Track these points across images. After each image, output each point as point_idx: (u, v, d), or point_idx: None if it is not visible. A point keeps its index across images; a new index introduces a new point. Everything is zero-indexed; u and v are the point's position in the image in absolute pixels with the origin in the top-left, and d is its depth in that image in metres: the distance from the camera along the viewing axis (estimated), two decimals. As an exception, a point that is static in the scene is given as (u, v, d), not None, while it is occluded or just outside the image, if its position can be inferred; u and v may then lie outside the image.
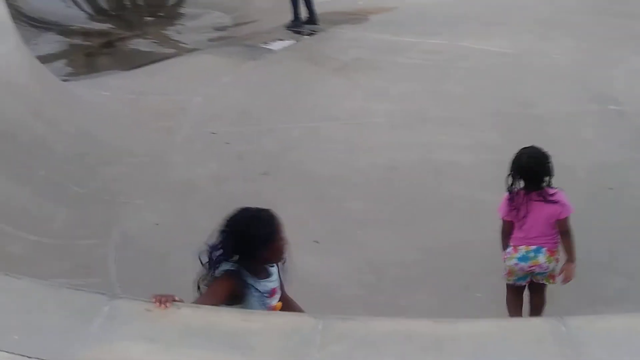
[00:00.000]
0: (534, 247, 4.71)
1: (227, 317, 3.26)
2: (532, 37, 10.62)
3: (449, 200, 6.60)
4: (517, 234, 4.77)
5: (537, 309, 4.99)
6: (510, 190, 4.71)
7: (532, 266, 4.76)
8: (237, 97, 9.07)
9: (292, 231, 6.27)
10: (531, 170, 4.63)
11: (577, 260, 4.91)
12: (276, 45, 11.03)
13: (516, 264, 4.76)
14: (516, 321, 3.32)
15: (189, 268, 5.99)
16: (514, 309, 4.97)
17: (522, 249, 4.74)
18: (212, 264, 3.53)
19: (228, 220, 3.56)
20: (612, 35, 10.55)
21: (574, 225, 5.98)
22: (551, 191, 4.66)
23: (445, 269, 5.80)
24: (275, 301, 3.67)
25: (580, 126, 7.99)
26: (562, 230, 4.75)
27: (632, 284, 5.53)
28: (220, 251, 3.52)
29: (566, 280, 4.83)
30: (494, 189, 6.26)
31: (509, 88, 8.88)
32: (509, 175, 4.66)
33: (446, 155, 7.43)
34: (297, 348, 3.01)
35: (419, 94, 8.93)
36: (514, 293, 4.97)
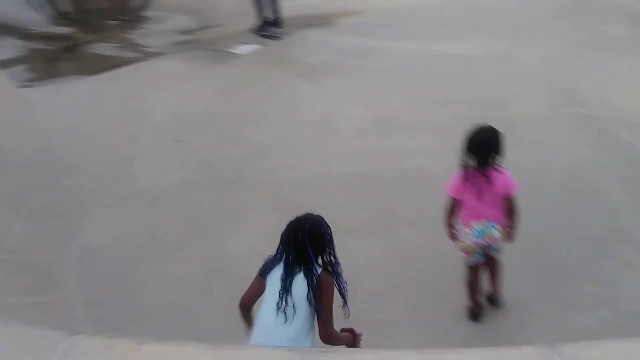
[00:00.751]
0: (486, 222, 4.81)
1: (195, 353, 3.03)
2: (503, 41, 10.54)
3: (422, 208, 6.44)
4: (468, 211, 4.86)
5: (495, 271, 5.22)
6: (462, 167, 4.78)
7: (487, 240, 4.87)
8: (203, 103, 8.85)
9: (261, 242, 6.11)
10: (483, 144, 4.69)
11: (548, 265, 5.53)
12: (242, 50, 10.83)
13: (474, 242, 4.87)
14: (506, 350, 3.13)
15: (154, 282, 5.85)
16: (474, 291, 5.15)
17: (476, 225, 4.83)
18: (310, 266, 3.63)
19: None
20: (582, 39, 10.52)
21: (545, 229, 5.95)
22: (499, 170, 4.73)
23: (420, 279, 5.66)
24: None
25: (551, 129, 7.90)
26: (509, 207, 4.81)
27: (604, 290, 5.43)
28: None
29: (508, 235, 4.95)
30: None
31: (480, 92, 8.77)
32: (462, 152, 4.74)
33: (418, 161, 7.28)
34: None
35: (389, 98, 8.77)
36: (474, 273, 5.10)
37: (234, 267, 5.73)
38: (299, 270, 3.64)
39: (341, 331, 3.87)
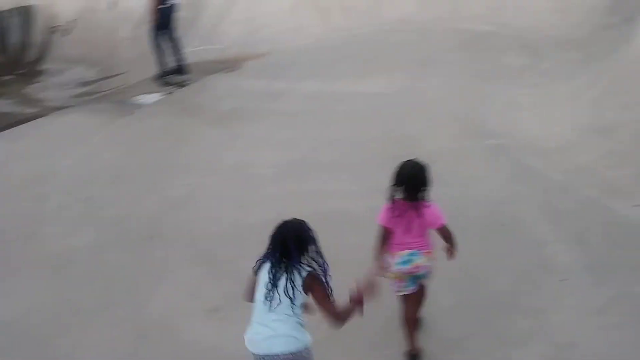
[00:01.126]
0: (410, 250, 4.90)
1: None
2: (407, 76, 10.71)
3: (347, 254, 6.35)
4: (395, 241, 4.96)
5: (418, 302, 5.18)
6: (390, 199, 4.93)
7: (413, 268, 4.93)
8: (111, 157, 8.57)
9: (186, 300, 5.88)
10: (412, 179, 4.85)
11: (481, 301, 5.54)
12: (147, 99, 10.61)
13: (399, 269, 4.94)
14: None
15: (74, 355, 5.51)
16: (413, 328, 5.11)
17: (401, 254, 4.93)
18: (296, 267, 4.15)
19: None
20: (483, 70, 10.80)
21: (475, 264, 5.96)
22: (427, 203, 4.90)
23: (352, 328, 5.51)
24: None
25: (465, 163, 8.00)
26: (445, 235, 4.97)
27: (537, 324, 5.44)
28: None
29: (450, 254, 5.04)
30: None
31: (391, 129, 8.83)
32: (391, 185, 4.90)
33: (338, 204, 7.21)
34: None
35: (301, 141, 8.73)
36: (408, 304, 5.11)
37: (160, 330, 5.48)
38: (284, 267, 4.19)
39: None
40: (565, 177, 7.54)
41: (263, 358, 4.11)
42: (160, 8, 11.26)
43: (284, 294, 4.12)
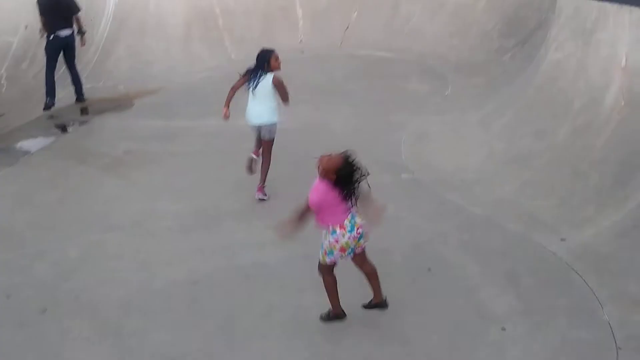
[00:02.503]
0: (349, 215, 5.37)
1: None
2: (310, 108, 10.32)
3: (267, 312, 5.85)
4: (336, 215, 5.33)
5: (372, 275, 5.69)
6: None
7: (358, 229, 5.37)
8: (-7, 215, 7.70)
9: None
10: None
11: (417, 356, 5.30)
12: (34, 145, 9.70)
13: (349, 237, 5.35)
14: None
15: None
16: (335, 292, 5.59)
17: (346, 222, 5.32)
18: None
19: None
20: (387, 98, 10.57)
21: (403, 320, 5.61)
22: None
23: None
24: None
25: (383, 201, 7.60)
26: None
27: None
28: None
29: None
30: (312, 290, 5.69)
31: (298, 167, 8.36)
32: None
33: (251, 256, 6.69)
34: None
35: (206, 185, 8.15)
36: (331, 274, 5.53)
37: None
38: (260, 73, 7.41)
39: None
40: (486, 211, 7.33)
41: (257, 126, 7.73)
42: (49, 41, 10.57)
43: (261, 88, 7.43)
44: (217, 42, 13.39)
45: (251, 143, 7.98)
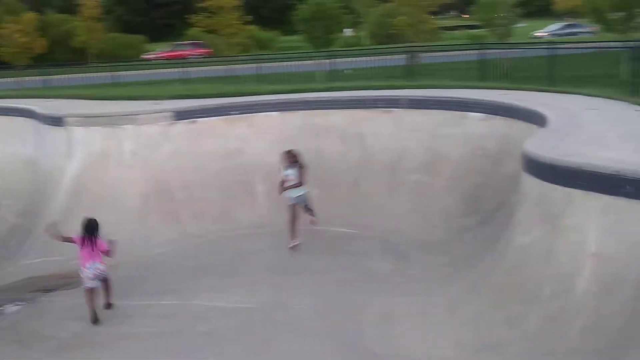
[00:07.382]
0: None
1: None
2: (270, 287, 9.99)
3: None
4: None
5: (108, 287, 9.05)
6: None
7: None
8: None
9: None
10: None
11: None
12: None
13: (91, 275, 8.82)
14: None
15: None
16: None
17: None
18: None
19: None
20: (350, 277, 10.26)
21: None
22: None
23: None
24: None
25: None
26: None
27: None
28: None
29: None
30: None
31: (257, 352, 7.90)
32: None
33: None
34: None
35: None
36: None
37: None
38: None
39: None
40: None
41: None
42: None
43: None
44: (174, 215, 13.13)
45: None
